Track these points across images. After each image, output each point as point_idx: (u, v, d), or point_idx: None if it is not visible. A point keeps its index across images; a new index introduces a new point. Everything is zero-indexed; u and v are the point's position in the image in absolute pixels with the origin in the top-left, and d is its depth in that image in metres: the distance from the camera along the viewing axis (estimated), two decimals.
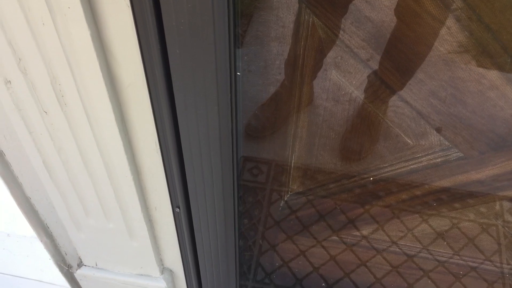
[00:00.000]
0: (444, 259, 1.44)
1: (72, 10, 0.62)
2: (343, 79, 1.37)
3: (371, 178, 1.48)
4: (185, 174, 0.87)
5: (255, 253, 1.53)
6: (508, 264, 1.42)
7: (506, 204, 1.47)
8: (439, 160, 1.32)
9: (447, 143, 1.30)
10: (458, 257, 1.46)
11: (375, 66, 1.34)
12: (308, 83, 1.43)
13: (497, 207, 1.48)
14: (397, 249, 1.47)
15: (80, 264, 1.19)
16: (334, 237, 1.51)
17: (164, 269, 1.18)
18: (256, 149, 1.67)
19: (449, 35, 1.10)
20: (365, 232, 1.50)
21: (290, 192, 1.59)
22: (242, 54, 1.78)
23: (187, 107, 0.73)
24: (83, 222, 1.03)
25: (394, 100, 1.32)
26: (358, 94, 1.34)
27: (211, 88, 0.69)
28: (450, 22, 1.10)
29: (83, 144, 0.82)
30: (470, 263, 1.43)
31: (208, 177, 0.85)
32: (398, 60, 1.31)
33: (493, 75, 1.14)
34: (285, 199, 1.59)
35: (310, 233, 1.54)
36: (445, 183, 1.41)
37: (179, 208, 0.94)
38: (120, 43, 0.67)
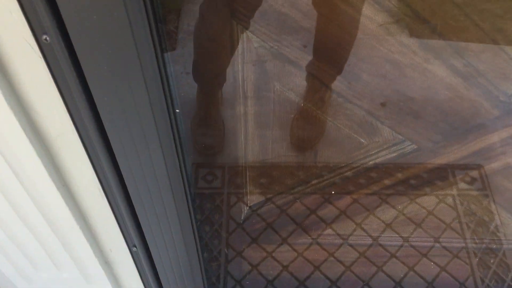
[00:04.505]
0: (423, 245, 1.45)
1: None
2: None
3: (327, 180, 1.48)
4: (136, 213, 0.81)
5: (221, 262, 1.49)
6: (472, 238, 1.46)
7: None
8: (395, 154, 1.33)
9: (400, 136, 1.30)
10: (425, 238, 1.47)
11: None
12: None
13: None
14: (364, 239, 1.47)
15: None
16: (299, 234, 1.49)
17: None
18: (209, 160, 1.62)
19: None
20: (333, 227, 1.49)
21: (249, 195, 1.56)
22: (177, 56, 1.72)
23: (125, 149, 0.67)
24: (33, 275, 0.95)
25: (337, 101, 1.30)
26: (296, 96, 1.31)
27: (148, 121, 0.63)
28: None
29: (18, 204, 0.75)
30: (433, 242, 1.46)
31: (161, 213, 0.79)
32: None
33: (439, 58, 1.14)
34: (245, 202, 1.55)
35: (275, 230, 1.51)
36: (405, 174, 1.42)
37: (135, 247, 0.88)
38: (39, 96, 0.60)
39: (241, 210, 1.56)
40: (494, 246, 1.44)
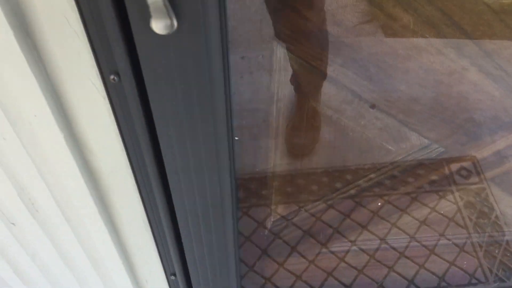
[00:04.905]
0: (430, 242, 1.48)
1: (39, 117, 0.52)
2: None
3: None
4: (181, 241, 0.79)
5: None
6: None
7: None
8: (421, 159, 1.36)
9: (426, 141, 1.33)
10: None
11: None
12: None
13: None
14: (372, 242, 1.49)
15: None
16: (309, 243, 1.50)
17: None
18: None
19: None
20: (341, 232, 1.51)
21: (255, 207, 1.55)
22: None
23: (182, 183, 0.65)
24: None
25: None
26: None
27: (210, 154, 0.62)
28: None
29: (63, 245, 0.72)
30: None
31: (208, 239, 0.78)
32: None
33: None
34: (250, 215, 1.55)
35: (284, 241, 1.51)
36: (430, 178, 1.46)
37: (174, 275, 0.87)
38: (98, 137, 0.58)
39: (247, 223, 1.55)
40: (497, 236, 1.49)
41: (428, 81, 1.38)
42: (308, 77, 1.56)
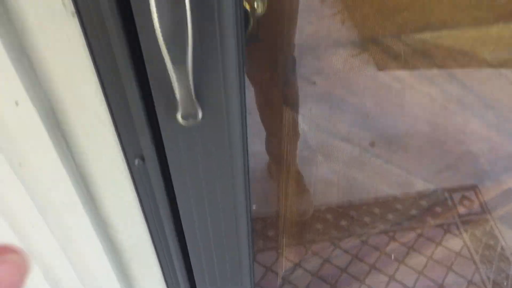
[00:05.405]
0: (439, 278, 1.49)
1: (67, 204, 0.53)
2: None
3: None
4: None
5: None
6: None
7: None
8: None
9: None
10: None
11: None
12: None
13: None
14: (380, 279, 1.50)
15: None
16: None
17: None
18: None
19: None
20: (348, 272, 1.51)
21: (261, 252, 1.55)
22: None
23: (202, 253, 0.66)
24: None
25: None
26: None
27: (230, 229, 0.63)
28: None
29: None
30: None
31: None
32: None
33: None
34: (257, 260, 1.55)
35: (295, 286, 1.51)
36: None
37: None
38: (122, 216, 0.60)
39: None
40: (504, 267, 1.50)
41: (425, 116, 1.41)
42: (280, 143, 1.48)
